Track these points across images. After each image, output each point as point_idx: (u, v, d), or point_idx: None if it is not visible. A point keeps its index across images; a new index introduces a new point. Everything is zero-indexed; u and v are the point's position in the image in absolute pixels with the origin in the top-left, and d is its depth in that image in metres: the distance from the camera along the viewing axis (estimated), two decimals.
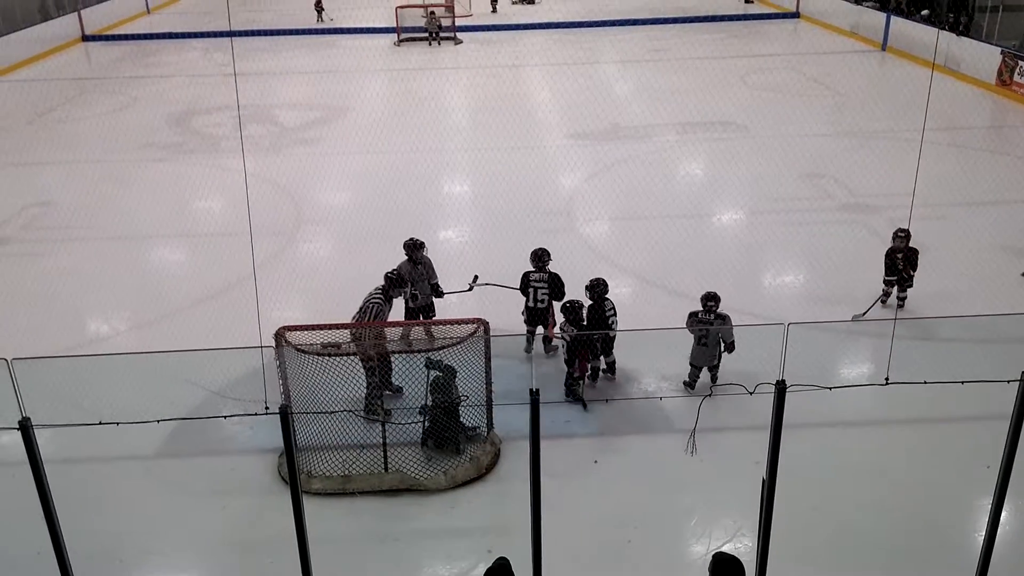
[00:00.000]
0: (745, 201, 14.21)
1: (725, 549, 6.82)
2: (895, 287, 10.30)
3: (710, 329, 8.54)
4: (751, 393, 5.75)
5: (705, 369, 8.85)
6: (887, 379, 5.97)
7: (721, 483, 7.65)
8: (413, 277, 9.47)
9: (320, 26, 30.70)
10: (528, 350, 9.67)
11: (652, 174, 15.56)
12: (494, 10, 33.12)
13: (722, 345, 8.69)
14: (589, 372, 8.93)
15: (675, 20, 30.42)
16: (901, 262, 10.11)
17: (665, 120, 18.83)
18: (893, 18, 24.83)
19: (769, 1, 33.34)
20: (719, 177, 15.46)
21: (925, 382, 5.87)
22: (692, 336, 8.74)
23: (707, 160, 16.59)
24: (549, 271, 9.41)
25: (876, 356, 9.48)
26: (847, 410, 8.47)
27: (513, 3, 34.88)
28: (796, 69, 23.42)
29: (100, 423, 5.46)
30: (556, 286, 9.33)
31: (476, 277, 9.99)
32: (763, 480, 5.48)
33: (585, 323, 8.86)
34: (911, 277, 10.17)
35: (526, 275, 9.47)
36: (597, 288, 8.91)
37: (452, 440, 7.95)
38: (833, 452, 8.02)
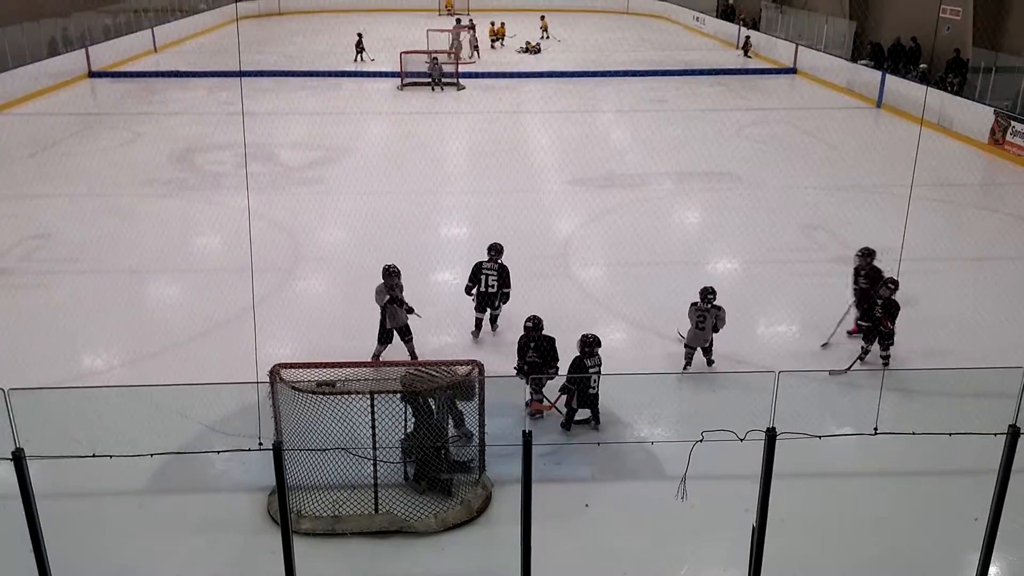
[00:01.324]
0: (739, 250, 14.36)
1: None
2: (874, 343, 10.35)
3: (707, 314, 10.09)
4: (742, 440, 5.80)
5: (700, 351, 10.24)
6: (876, 429, 6.03)
7: (712, 530, 7.65)
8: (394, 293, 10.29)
9: (357, 67, 31.44)
10: (475, 335, 11.07)
11: (648, 222, 15.74)
12: (476, 56, 33.70)
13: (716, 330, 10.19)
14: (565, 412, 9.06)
15: (674, 72, 30.98)
16: (880, 310, 10.20)
17: (662, 169, 19.10)
18: (888, 76, 25.32)
19: (767, 56, 33.99)
20: (714, 226, 15.65)
21: (913, 433, 5.93)
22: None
23: (702, 209, 16.80)
24: (500, 263, 10.84)
25: (865, 407, 9.52)
26: (836, 460, 8.50)
27: (517, 51, 35.50)
28: (792, 123, 23.81)
29: (93, 455, 5.48)
30: (503, 275, 10.90)
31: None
32: (753, 528, 5.52)
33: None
34: (891, 333, 10.18)
35: (478, 264, 10.92)
36: (587, 342, 8.96)
37: (444, 482, 7.95)
38: (822, 501, 8.03)
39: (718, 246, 14.63)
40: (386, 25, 39.74)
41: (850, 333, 10.82)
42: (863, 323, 10.47)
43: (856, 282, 10.91)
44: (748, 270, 13.69)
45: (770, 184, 17.85)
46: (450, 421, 8.11)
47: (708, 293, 10.11)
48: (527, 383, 9.14)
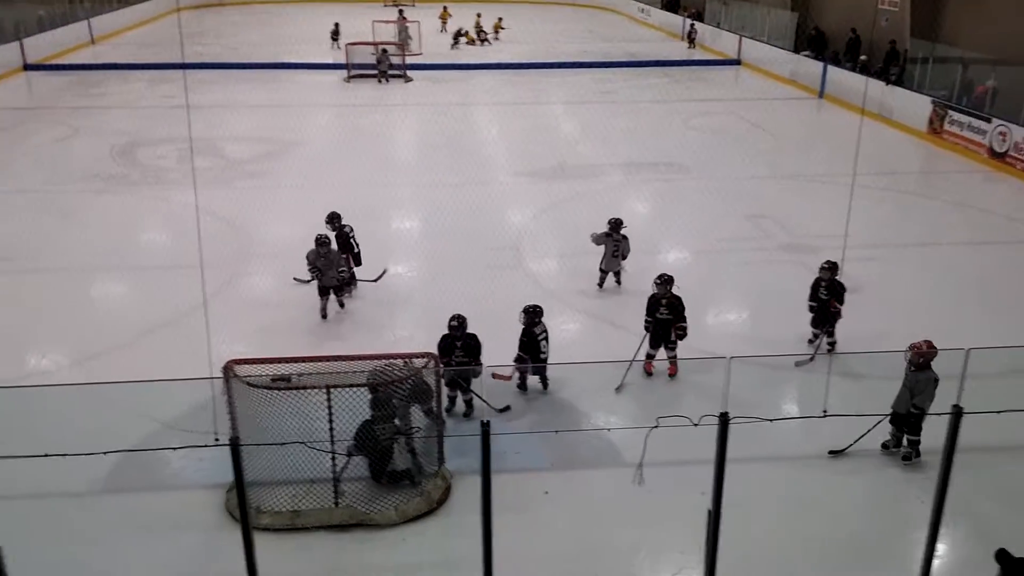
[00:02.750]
0: (688, 240, 14.58)
1: None
2: (823, 332, 10.59)
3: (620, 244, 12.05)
4: (696, 425, 5.92)
5: (611, 275, 12.38)
6: (825, 412, 6.21)
7: (668, 515, 7.78)
8: (320, 263, 11.30)
9: (334, 55, 31.34)
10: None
11: (599, 212, 15.78)
12: (456, 44, 33.86)
13: (624, 257, 12.33)
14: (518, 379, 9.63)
15: (621, 64, 31.24)
16: (825, 292, 10.46)
17: (611, 160, 19.27)
18: (830, 67, 25.88)
19: (712, 48, 34.46)
20: (663, 216, 15.86)
21: (860, 415, 6.12)
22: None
23: (652, 199, 17.01)
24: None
25: (814, 391, 9.78)
26: (788, 443, 8.71)
27: (467, 43, 35.38)
28: (737, 114, 24.20)
29: (46, 455, 5.37)
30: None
31: (385, 271, 12.30)
32: (708, 511, 5.64)
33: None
34: (837, 311, 10.43)
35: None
36: (531, 313, 9.48)
37: (405, 472, 7.95)
38: (775, 484, 8.23)
39: (668, 236, 14.83)
40: (331, 16, 39.21)
41: (810, 342, 10.92)
42: (816, 331, 10.67)
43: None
44: (697, 259, 13.91)
45: (717, 174, 18.14)
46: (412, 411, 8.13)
47: (620, 225, 12.22)
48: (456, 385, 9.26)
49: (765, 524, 7.64)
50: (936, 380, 8.05)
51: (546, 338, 9.57)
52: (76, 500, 7.85)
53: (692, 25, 35.84)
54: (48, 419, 8.19)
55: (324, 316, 11.57)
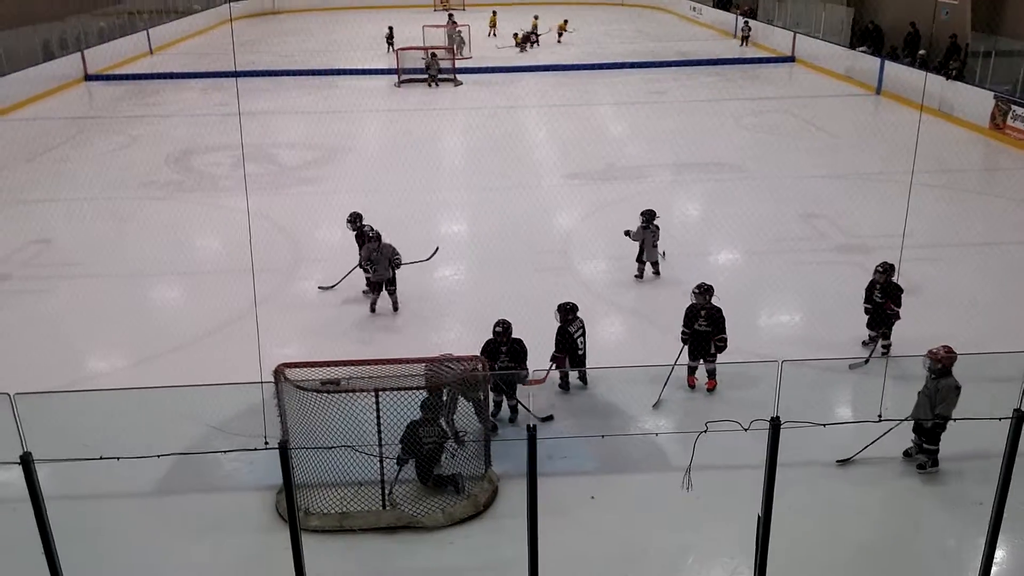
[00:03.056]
0: (740, 241, 14.35)
1: None
2: (879, 335, 10.32)
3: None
4: (746, 430, 5.80)
5: (649, 264, 12.59)
6: (880, 416, 6.03)
7: (718, 520, 7.66)
8: (374, 256, 11.53)
9: (390, 60, 31.08)
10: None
11: None
12: (522, 49, 34.04)
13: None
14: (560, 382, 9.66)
15: (671, 63, 30.93)
16: (880, 294, 10.18)
17: (661, 161, 19.08)
18: (887, 63, 25.27)
19: (765, 45, 33.94)
20: (714, 217, 15.63)
21: (917, 419, 5.93)
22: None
23: (702, 200, 16.79)
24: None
25: (869, 394, 9.54)
26: (841, 448, 8.50)
27: (517, 47, 35.33)
28: (791, 112, 23.78)
29: (101, 458, 5.49)
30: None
31: (437, 249, 12.54)
32: (759, 517, 5.52)
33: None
34: (894, 313, 10.15)
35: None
36: (566, 310, 9.55)
37: (451, 480, 7.95)
38: (827, 489, 8.03)
39: (719, 237, 14.62)
40: (380, 22, 39.62)
41: (864, 344, 10.62)
42: (872, 334, 10.41)
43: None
44: (749, 260, 13.68)
45: (770, 174, 17.83)
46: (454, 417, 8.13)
47: (654, 216, 12.43)
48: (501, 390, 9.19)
49: (817, 529, 7.46)
50: (958, 388, 7.72)
51: (583, 335, 9.62)
52: (131, 501, 8.02)
53: (747, 22, 35.35)
54: (104, 422, 8.39)
55: (373, 310, 11.79)
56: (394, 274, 11.67)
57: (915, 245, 11.71)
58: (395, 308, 11.85)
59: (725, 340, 9.60)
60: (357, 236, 12.24)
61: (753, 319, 11.65)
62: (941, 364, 7.75)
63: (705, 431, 6.07)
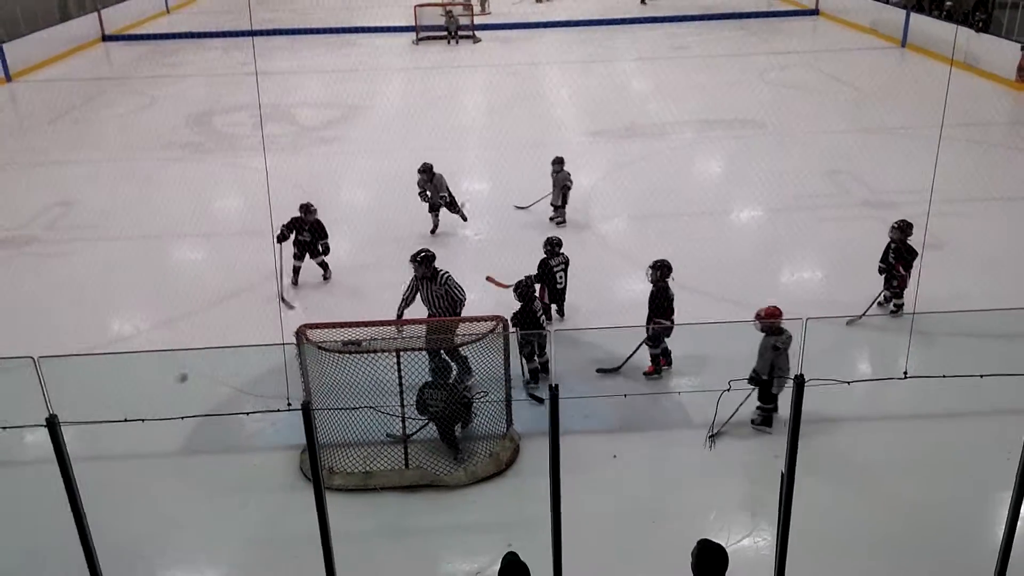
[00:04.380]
0: (763, 198, 14.17)
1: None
2: (885, 295, 10.20)
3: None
4: (770, 388, 5.76)
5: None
6: (905, 373, 5.96)
7: (740, 478, 7.67)
8: (428, 186, 12.80)
9: (483, 18, 30.43)
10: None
11: (670, 171, 15.56)
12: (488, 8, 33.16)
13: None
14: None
15: (693, 18, 30.33)
16: (892, 254, 10.01)
17: (683, 118, 18.81)
18: (912, 15, 24.65)
19: None
20: (737, 174, 15.43)
21: (944, 376, 5.86)
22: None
23: (725, 157, 16.56)
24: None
25: (895, 351, 9.46)
26: (866, 405, 8.46)
27: (537, 1, 34.75)
28: (815, 66, 23.31)
29: (125, 420, 5.54)
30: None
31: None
32: (782, 474, 5.50)
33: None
34: (902, 277, 9.96)
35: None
36: (551, 243, 10.03)
37: (454, 445, 7.98)
38: (852, 447, 8.01)
39: (742, 194, 14.44)
40: None
41: (880, 305, 10.49)
42: (886, 292, 10.27)
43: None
44: (773, 217, 13.52)
45: (794, 129, 17.54)
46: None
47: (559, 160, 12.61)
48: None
49: (841, 486, 7.45)
50: (774, 347, 7.77)
51: (564, 269, 10.13)
52: (156, 461, 8.14)
53: None
54: (128, 384, 8.47)
55: (434, 232, 12.99)
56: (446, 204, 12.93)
57: (940, 200, 11.38)
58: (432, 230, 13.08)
59: (661, 324, 8.99)
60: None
61: (776, 276, 11.55)
62: (762, 322, 7.89)
63: (728, 389, 6.04)
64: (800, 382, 5.23)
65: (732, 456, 7.81)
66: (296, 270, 11.57)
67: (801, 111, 18.92)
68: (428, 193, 12.86)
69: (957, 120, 16.93)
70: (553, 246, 10.08)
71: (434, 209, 12.98)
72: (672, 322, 8.99)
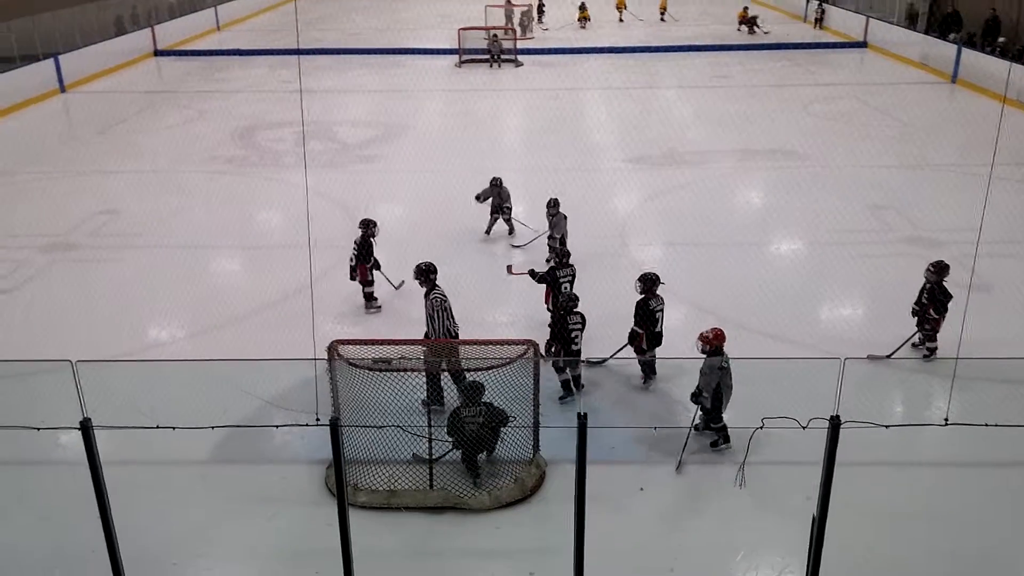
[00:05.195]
0: (804, 231, 13.98)
1: None
2: (918, 338, 9.93)
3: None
4: (804, 428, 5.63)
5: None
6: (946, 420, 5.80)
7: (770, 518, 7.49)
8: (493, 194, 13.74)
9: (526, 42, 30.38)
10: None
11: (709, 201, 15.43)
12: (530, 33, 33.42)
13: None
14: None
15: (738, 47, 30.25)
16: (926, 296, 9.76)
17: (724, 147, 18.70)
18: (964, 50, 24.31)
19: (836, 30, 32.97)
20: (778, 206, 15.25)
21: (987, 424, 5.68)
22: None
23: (766, 188, 16.40)
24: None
25: (925, 395, 9.23)
26: (903, 450, 8.24)
27: (581, 27, 34.93)
28: (861, 99, 23.07)
29: (157, 427, 5.58)
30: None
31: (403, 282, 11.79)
32: (813, 517, 5.36)
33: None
34: (935, 321, 9.68)
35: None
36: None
37: (474, 470, 7.90)
38: (887, 492, 7.78)
39: (781, 226, 14.26)
40: (442, 2, 39.58)
41: (915, 346, 10.20)
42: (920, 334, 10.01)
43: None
44: (812, 251, 13.33)
45: (837, 163, 17.32)
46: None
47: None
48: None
49: (874, 531, 7.24)
50: (710, 366, 7.99)
51: (570, 281, 10.20)
52: (184, 468, 8.18)
53: (820, 4, 34.39)
54: (160, 391, 8.57)
55: (488, 232, 13.82)
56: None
57: (989, 240, 11.23)
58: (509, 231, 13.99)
59: (631, 333, 9.39)
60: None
61: (814, 312, 11.35)
62: (706, 344, 8.11)
63: (761, 427, 5.91)
64: (836, 423, 5.10)
65: (763, 495, 7.63)
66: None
67: (845, 144, 18.70)
68: (492, 200, 13.84)
69: (1007, 159, 16.60)
70: (561, 257, 10.39)
71: (496, 212, 13.77)
72: (656, 333, 9.28)
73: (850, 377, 5.31)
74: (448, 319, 9.11)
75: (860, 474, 7.73)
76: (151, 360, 9.43)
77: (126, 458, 7.83)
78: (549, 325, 9.39)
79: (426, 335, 9.29)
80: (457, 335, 9.16)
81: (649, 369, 9.47)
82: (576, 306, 9.19)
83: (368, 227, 11.42)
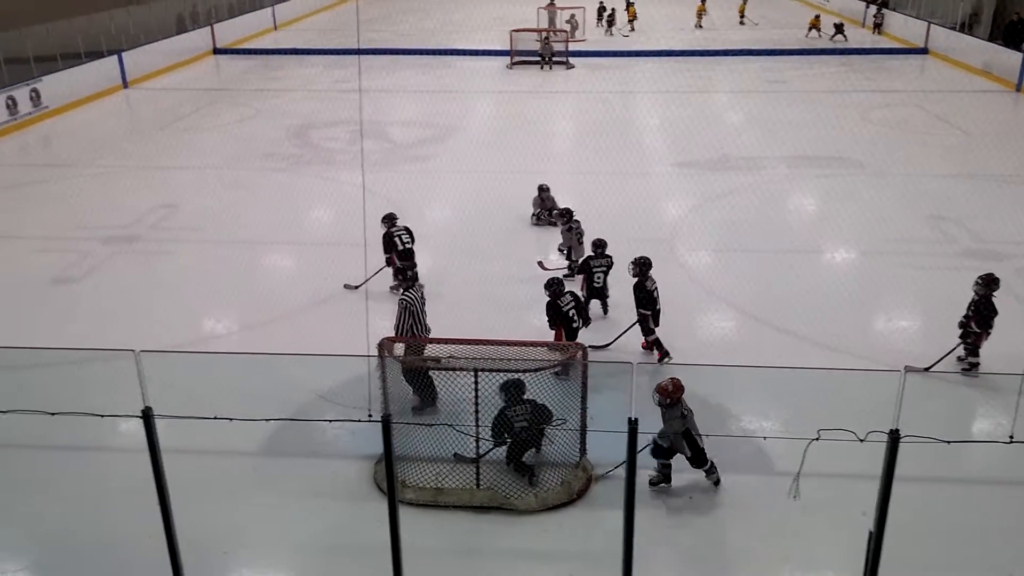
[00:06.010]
0: (859, 240, 13.73)
1: None
2: (962, 350, 9.66)
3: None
4: (862, 441, 5.52)
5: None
6: (1011, 437, 5.64)
7: (823, 532, 7.36)
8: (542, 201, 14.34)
9: (577, 45, 29.41)
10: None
11: (762, 207, 15.24)
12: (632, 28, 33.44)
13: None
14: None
15: (794, 52, 29.83)
16: (971, 309, 9.49)
17: (778, 153, 18.45)
18: None
19: (896, 36, 32.32)
20: (832, 214, 15.00)
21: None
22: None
23: (820, 195, 16.14)
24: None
25: (1001, 411, 8.98)
26: (966, 466, 8.04)
27: (626, 33, 34.79)
28: (921, 106, 22.58)
29: (216, 417, 5.69)
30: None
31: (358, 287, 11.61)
32: (870, 533, 5.26)
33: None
34: (976, 335, 9.43)
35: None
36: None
37: (528, 469, 7.90)
38: (947, 509, 7.61)
39: (835, 235, 14.01)
40: (495, 4, 39.72)
41: (959, 360, 9.93)
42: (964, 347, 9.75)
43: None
44: (867, 261, 13.08)
45: (895, 171, 16.98)
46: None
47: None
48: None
49: (934, 550, 7.08)
50: (680, 415, 7.56)
51: (604, 272, 10.66)
52: (238, 459, 8.33)
53: (880, 9, 33.75)
54: (218, 382, 8.73)
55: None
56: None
57: None
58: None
59: (639, 317, 9.91)
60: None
61: (871, 323, 11.14)
62: (665, 396, 7.50)
63: (817, 439, 5.80)
64: (896, 437, 5.00)
65: (817, 508, 7.49)
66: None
67: (904, 152, 18.32)
68: (537, 207, 14.49)
69: None
70: (596, 247, 10.70)
71: (547, 213, 14.30)
72: (657, 311, 9.80)
73: (890, 390, 5.20)
74: (412, 321, 9.19)
75: (919, 489, 7.57)
76: (209, 352, 9.62)
77: (180, 447, 8.00)
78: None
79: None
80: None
81: (660, 347, 9.92)
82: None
83: (391, 221, 11.82)
